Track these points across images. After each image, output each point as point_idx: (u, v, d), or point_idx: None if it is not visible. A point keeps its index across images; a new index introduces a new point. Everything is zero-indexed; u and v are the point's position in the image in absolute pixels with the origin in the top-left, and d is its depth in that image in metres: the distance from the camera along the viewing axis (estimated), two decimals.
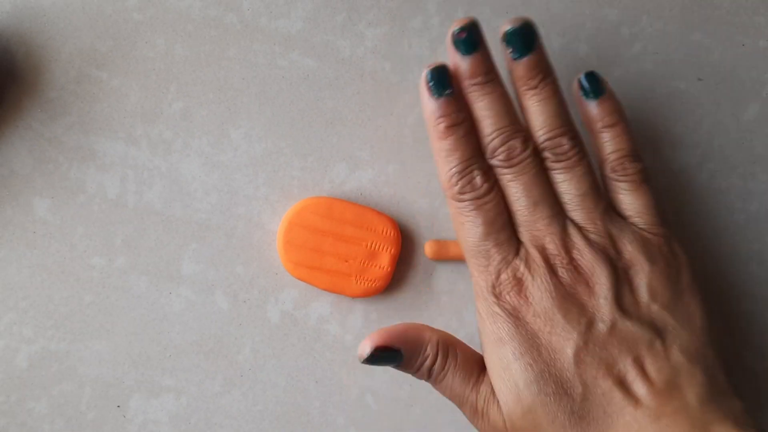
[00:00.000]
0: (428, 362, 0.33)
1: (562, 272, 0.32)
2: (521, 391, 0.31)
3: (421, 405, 0.38)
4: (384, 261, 0.37)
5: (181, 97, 0.38)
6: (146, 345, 0.38)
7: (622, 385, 0.31)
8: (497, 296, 0.32)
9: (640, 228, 0.33)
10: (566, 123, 0.34)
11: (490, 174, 0.33)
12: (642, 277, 0.32)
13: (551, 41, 0.38)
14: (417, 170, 0.38)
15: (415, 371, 0.33)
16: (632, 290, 0.32)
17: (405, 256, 0.38)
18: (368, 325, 0.38)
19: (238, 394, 0.38)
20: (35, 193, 0.37)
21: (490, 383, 0.33)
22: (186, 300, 0.38)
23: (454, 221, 0.34)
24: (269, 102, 0.38)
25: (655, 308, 0.32)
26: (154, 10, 0.37)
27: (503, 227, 0.33)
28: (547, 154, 0.33)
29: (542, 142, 0.33)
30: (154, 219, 0.38)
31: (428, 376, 0.33)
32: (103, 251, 0.38)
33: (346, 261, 0.37)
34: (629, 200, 0.34)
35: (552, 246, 0.33)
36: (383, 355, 0.32)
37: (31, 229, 0.37)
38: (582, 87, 0.34)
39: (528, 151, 0.33)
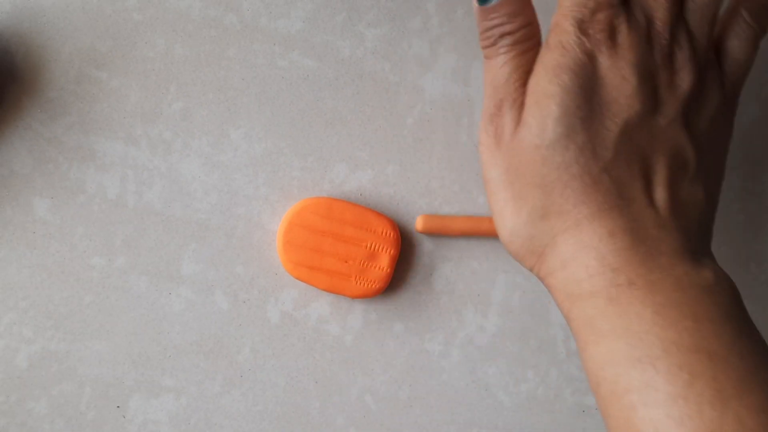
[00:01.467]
0: (510, 26, 0.31)
1: (657, 50, 0.31)
2: (548, 125, 0.30)
3: (421, 405, 0.38)
4: (384, 262, 0.37)
5: (181, 97, 0.38)
6: (146, 345, 0.38)
7: (647, 179, 0.30)
8: (582, 31, 0.30)
9: (729, 77, 0.32)
10: None
11: None
12: (710, 109, 0.31)
13: None
14: (416, 171, 0.38)
15: (490, 25, 0.31)
16: (698, 112, 0.31)
17: (404, 257, 0.38)
18: (368, 325, 0.38)
19: (238, 395, 0.38)
20: (35, 193, 0.37)
21: (525, 103, 0.31)
22: (186, 300, 0.38)
23: None
24: (269, 102, 0.38)
25: (704, 138, 0.31)
26: (154, 10, 0.37)
27: None
28: None
29: None
30: (154, 219, 0.38)
31: (495, 41, 0.31)
32: (103, 251, 0.38)
33: (346, 261, 0.37)
34: (739, 49, 0.32)
35: (660, 22, 0.31)
36: None
37: (31, 229, 0.38)
38: None
39: None
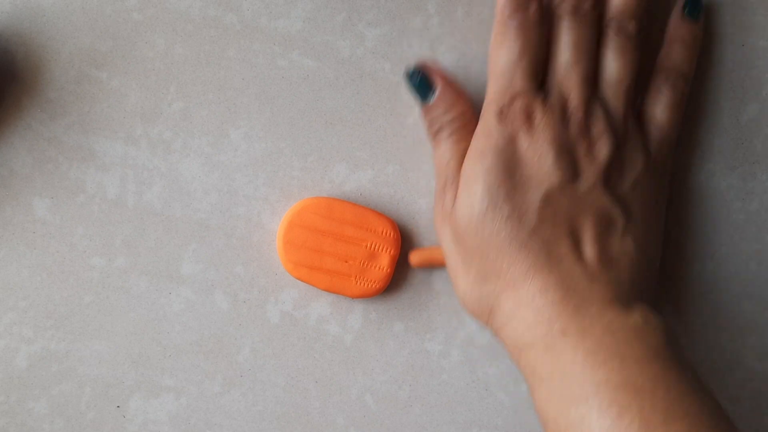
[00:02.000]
0: (446, 118, 0.35)
1: (573, 126, 0.34)
2: (475, 201, 0.34)
3: (421, 405, 0.38)
4: (384, 262, 0.37)
5: (181, 97, 0.38)
6: (146, 345, 0.38)
7: (575, 239, 0.33)
8: (502, 118, 0.34)
9: (654, 142, 0.36)
10: (643, 13, 0.35)
11: (545, 12, 0.35)
12: (633, 173, 0.35)
13: None
14: (417, 171, 0.38)
15: (431, 119, 0.36)
16: (620, 176, 0.34)
17: (405, 257, 0.38)
18: (368, 325, 0.38)
19: (237, 394, 0.38)
20: (35, 193, 0.37)
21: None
22: (186, 300, 0.38)
23: (493, 44, 0.35)
24: (269, 102, 0.38)
25: (630, 199, 0.34)
26: (154, 10, 0.37)
27: (537, 62, 0.34)
28: (611, 27, 0.35)
29: (613, 14, 0.35)
30: (154, 219, 0.38)
31: (436, 132, 0.36)
32: (103, 251, 0.38)
33: (346, 261, 0.37)
34: (660, 115, 0.36)
35: (575, 102, 0.34)
36: (423, 80, 0.35)
37: (31, 229, 0.38)
38: (686, 3, 0.36)
39: (596, 12, 0.35)
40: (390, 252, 0.37)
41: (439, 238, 0.36)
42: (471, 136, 0.35)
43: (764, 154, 0.38)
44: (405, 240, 0.38)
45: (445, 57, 0.38)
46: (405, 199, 0.38)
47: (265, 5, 0.37)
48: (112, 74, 0.37)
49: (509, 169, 0.34)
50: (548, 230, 0.33)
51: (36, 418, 0.38)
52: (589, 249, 0.33)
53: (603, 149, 0.34)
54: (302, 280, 0.37)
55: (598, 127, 0.34)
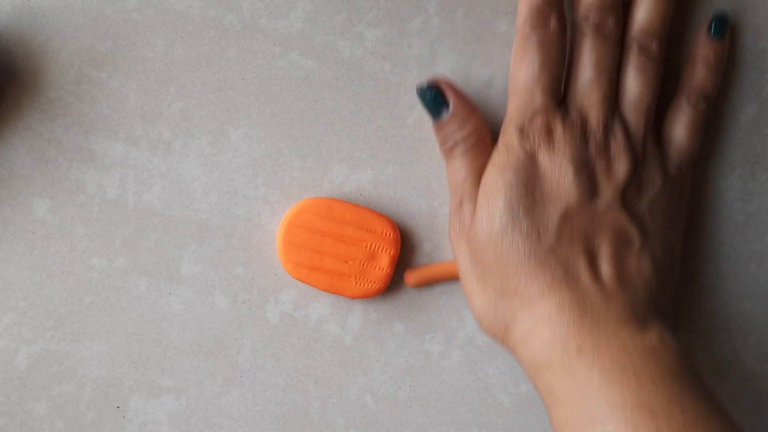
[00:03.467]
0: (461, 134, 0.35)
1: (592, 144, 0.34)
2: (495, 216, 0.34)
3: (421, 405, 0.38)
4: (383, 262, 0.37)
5: (181, 97, 0.38)
6: (146, 345, 0.38)
7: (591, 257, 0.34)
8: (523, 134, 0.34)
9: (673, 161, 0.36)
10: (665, 33, 0.35)
11: (565, 26, 0.35)
12: (651, 192, 0.35)
13: None
14: (416, 171, 0.38)
15: (445, 135, 0.35)
16: (638, 194, 0.35)
17: (404, 258, 0.38)
18: (368, 325, 0.38)
19: (237, 395, 0.38)
20: (35, 194, 0.37)
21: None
22: (186, 300, 0.38)
23: (514, 60, 0.35)
24: (269, 102, 0.38)
25: (647, 218, 0.35)
26: (154, 11, 0.37)
27: (557, 78, 0.34)
28: (633, 46, 0.35)
29: (635, 34, 0.35)
30: (154, 219, 0.38)
31: (451, 148, 0.35)
32: (102, 252, 0.38)
33: (346, 262, 0.37)
34: (681, 134, 0.36)
35: (594, 120, 0.34)
36: (436, 96, 0.35)
37: (31, 229, 0.38)
38: (712, 23, 0.36)
39: (619, 30, 0.35)
40: (390, 252, 0.37)
41: (456, 255, 0.36)
42: (486, 153, 0.35)
43: (764, 154, 0.38)
44: (405, 240, 0.38)
45: (445, 57, 0.38)
46: (405, 199, 0.38)
47: (265, 5, 0.37)
48: (112, 74, 0.37)
49: (529, 185, 0.34)
50: (566, 248, 0.33)
51: (36, 418, 0.38)
52: (606, 267, 0.34)
53: (621, 168, 0.34)
54: (302, 281, 0.37)
55: (617, 145, 0.34)
